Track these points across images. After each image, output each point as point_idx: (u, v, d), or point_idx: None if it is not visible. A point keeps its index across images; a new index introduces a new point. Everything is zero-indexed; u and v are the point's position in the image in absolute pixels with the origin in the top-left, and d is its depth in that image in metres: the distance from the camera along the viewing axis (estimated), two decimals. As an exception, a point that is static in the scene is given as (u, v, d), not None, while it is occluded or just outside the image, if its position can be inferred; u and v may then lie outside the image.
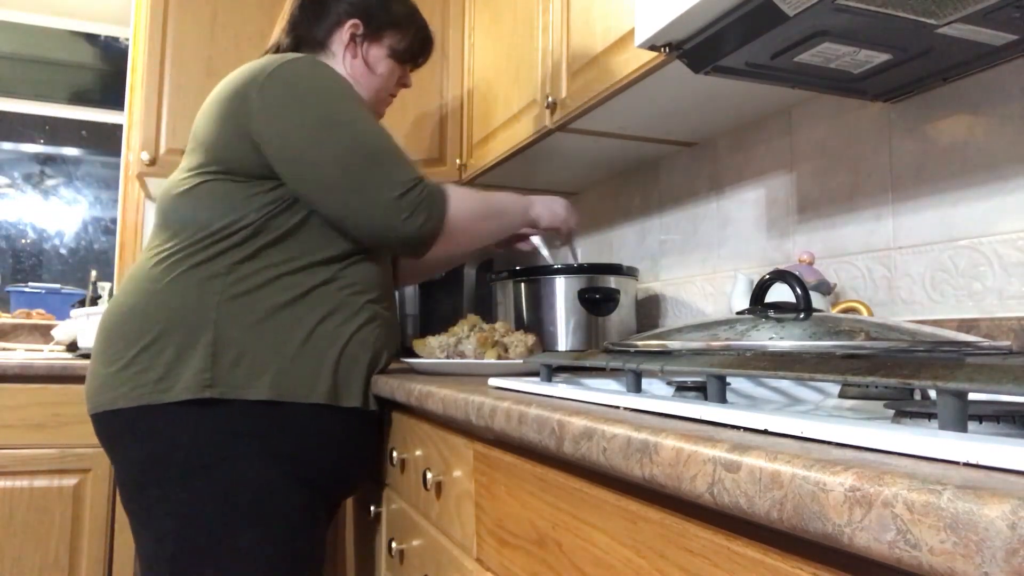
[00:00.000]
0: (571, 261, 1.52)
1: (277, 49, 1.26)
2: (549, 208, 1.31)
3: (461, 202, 1.15)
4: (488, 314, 1.98)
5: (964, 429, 0.39)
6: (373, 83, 1.28)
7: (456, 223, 1.14)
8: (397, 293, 2.53)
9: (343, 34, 1.25)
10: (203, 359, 1.03)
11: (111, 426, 1.06)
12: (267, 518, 1.04)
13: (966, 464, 0.34)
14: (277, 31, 1.28)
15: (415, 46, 1.33)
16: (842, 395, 0.76)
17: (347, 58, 1.25)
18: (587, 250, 2.11)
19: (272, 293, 1.09)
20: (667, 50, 1.01)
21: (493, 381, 0.92)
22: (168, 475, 1.02)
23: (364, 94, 1.26)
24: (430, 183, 1.13)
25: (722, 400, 0.57)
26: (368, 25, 1.26)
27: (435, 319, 2.36)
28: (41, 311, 2.52)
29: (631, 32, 1.19)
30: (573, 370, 1.24)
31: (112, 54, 2.90)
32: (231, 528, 1.02)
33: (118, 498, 1.31)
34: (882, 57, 0.97)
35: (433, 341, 1.32)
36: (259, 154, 1.09)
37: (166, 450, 1.02)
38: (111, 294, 2.35)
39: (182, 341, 1.04)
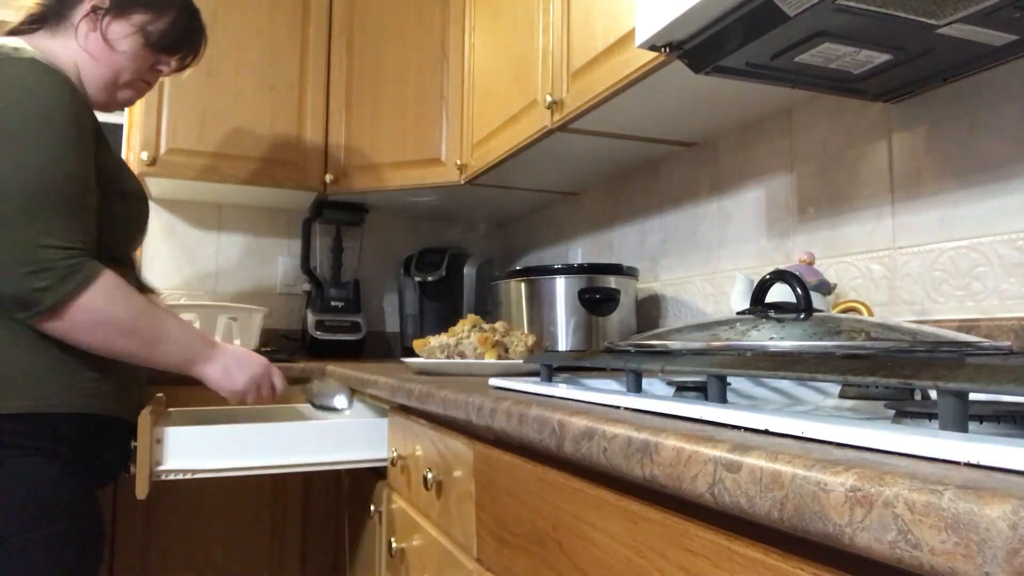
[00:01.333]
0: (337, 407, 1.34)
1: (27, 19, 1.17)
2: (229, 373, 1.18)
3: (107, 301, 1.03)
4: (488, 314, 1.98)
5: (965, 429, 0.39)
6: (114, 61, 1.18)
7: (82, 315, 1.01)
8: (398, 293, 2.54)
9: (84, 5, 1.16)
10: None
11: None
12: (48, 510, 1.01)
13: (967, 464, 0.34)
14: None
15: (172, 34, 1.23)
16: (842, 395, 0.76)
17: (83, 31, 1.16)
18: (587, 250, 2.11)
19: None
20: (667, 50, 1.01)
21: (493, 381, 0.92)
22: None
23: (102, 72, 1.18)
24: (88, 264, 1.02)
25: (722, 400, 0.57)
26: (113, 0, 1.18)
27: (435, 319, 2.36)
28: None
29: (631, 32, 1.19)
30: (573, 370, 1.24)
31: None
32: (13, 526, 0.98)
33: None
34: (882, 57, 0.97)
35: (433, 341, 1.32)
36: None
37: None
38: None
39: None
